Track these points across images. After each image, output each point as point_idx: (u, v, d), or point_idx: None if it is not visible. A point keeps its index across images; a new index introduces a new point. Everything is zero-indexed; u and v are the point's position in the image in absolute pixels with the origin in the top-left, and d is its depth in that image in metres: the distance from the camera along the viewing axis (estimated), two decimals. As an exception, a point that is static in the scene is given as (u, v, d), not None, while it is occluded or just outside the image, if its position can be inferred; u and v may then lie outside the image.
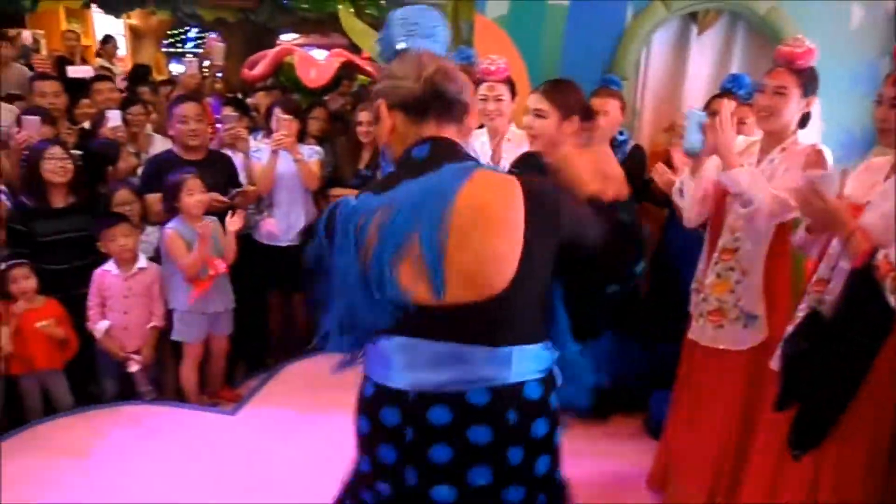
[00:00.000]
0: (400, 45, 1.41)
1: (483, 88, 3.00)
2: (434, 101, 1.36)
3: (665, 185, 2.76)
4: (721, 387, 2.40)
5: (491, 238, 1.29)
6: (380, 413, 1.39)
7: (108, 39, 8.28)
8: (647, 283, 3.21)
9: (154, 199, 3.44)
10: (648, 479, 2.76)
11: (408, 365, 1.35)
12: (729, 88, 3.05)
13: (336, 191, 3.88)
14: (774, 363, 2.04)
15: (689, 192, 2.42)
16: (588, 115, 2.46)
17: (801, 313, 1.99)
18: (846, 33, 3.17)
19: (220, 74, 5.08)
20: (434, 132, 1.37)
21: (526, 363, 1.35)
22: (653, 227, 3.22)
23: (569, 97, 2.36)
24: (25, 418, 3.19)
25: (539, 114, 2.34)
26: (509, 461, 1.34)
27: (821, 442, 1.91)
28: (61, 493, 2.70)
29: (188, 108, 3.50)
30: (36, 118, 3.55)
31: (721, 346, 2.38)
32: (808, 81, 2.26)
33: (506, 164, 2.94)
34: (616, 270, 1.45)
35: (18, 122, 3.53)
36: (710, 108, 3.06)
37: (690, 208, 2.45)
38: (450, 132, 1.39)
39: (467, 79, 1.44)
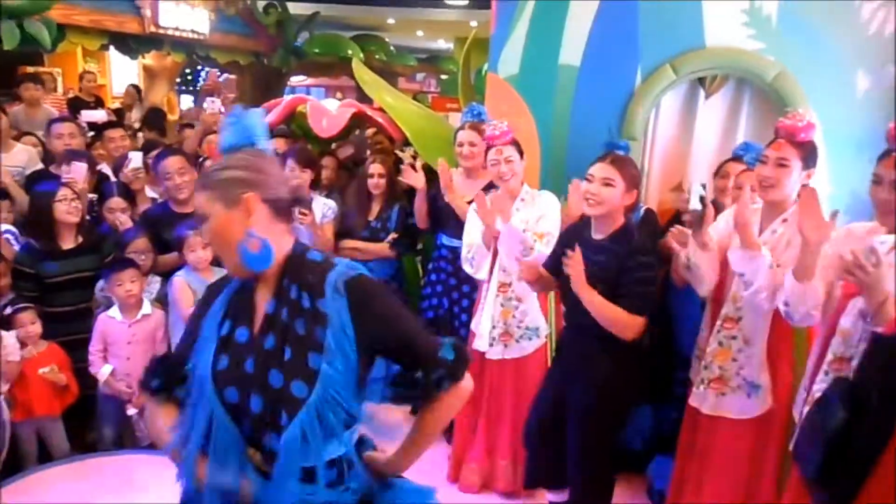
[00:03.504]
0: (259, 145, 1.52)
1: (492, 153, 3.04)
2: (291, 206, 1.54)
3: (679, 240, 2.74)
4: (724, 454, 2.39)
5: None
6: None
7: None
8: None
9: (165, 258, 3.47)
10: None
11: None
12: (741, 155, 3.08)
13: (348, 243, 3.90)
14: (791, 444, 2.01)
15: (703, 265, 2.40)
16: (638, 186, 2.51)
17: (818, 393, 1.96)
18: (852, 99, 3.22)
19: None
20: (290, 232, 1.54)
21: None
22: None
23: (633, 170, 2.44)
24: (20, 465, 3.14)
25: (608, 182, 2.39)
26: None
27: None
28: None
29: (171, 164, 3.50)
30: (83, 165, 3.65)
31: (724, 415, 2.35)
32: (809, 154, 2.30)
33: (518, 222, 2.96)
34: None
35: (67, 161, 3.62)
36: (721, 171, 3.10)
37: (708, 281, 2.43)
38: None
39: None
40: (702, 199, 2.32)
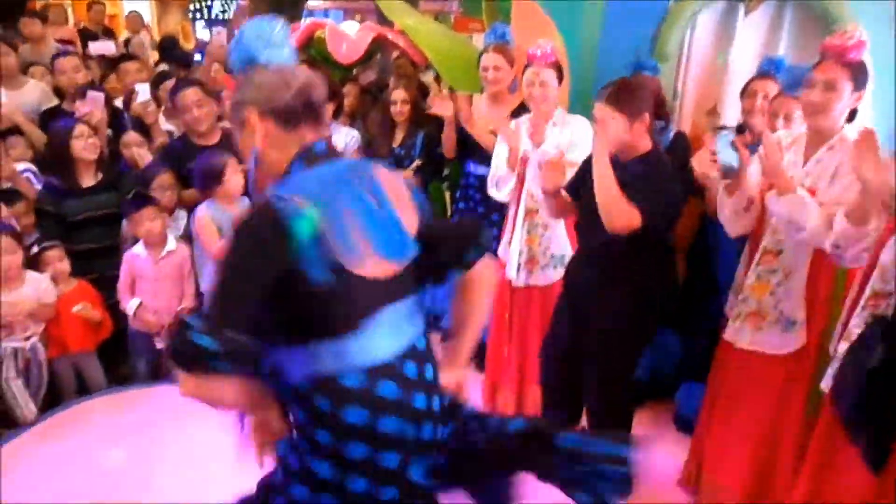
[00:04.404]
0: (261, 58, 1.46)
1: (529, 73, 2.90)
2: (304, 109, 1.45)
3: (704, 175, 2.65)
4: (756, 390, 2.35)
5: (404, 210, 1.50)
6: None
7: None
8: (685, 274, 3.13)
9: (187, 193, 3.43)
10: (680, 478, 2.73)
11: (391, 332, 1.44)
12: (767, 71, 2.92)
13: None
14: (826, 383, 1.97)
15: (730, 209, 2.32)
16: (661, 106, 2.38)
17: (856, 329, 1.90)
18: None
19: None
20: (313, 136, 1.46)
21: None
22: (690, 219, 3.12)
23: (634, 97, 2.29)
24: (60, 399, 3.22)
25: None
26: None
27: (892, 450, 1.84)
28: (100, 470, 2.74)
29: (187, 96, 3.41)
30: (100, 94, 3.56)
31: (758, 350, 2.31)
32: (859, 75, 2.13)
33: (549, 148, 2.86)
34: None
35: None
36: (748, 89, 2.94)
37: (733, 223, 2.35)
38: (320, 133, 1.49)
39: (324, 81, 1.56)
40: (733, 143, 2.18)
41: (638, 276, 2.35)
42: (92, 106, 3.51)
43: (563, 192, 2.54)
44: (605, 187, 2.24)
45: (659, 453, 2.88)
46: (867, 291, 1.94)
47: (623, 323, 2.40)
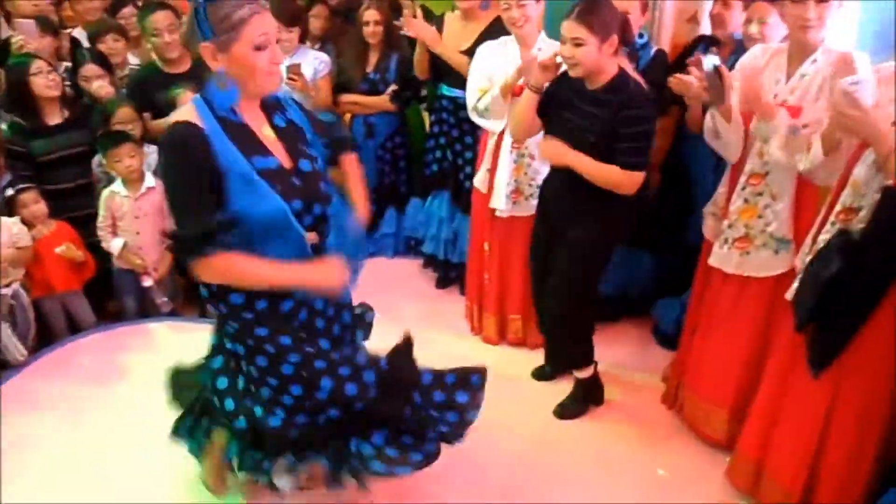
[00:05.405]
0: None
1: None
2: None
3: (682, 91, 2.59)
4: (742, 312, 2.39)
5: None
6: None
7: None
8: (657, 190, 3.13)
9: (157, 123, 3.31)
10: (663, 397, 2.83)
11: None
12: None
13: (346, 97, 3.74)
14: (790, 294, 2.01)
15: (730, 137, 2.28)
16: (626, 28, 2.34)
17: (822, 243, 1.92)
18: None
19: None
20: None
21: None
22: (665, 135, 3.08)
23: (604, 17, 2.25)
24: (53, 339, 3.26)
25: (578, 42, 2.25)
26: None
27: (837, 357, 1.92)
28: (96, 406, 2.81)
29: (158, 19, 3.25)
30: (31, 22, 3.37)
31: (746, 274, 2.34)
32: None
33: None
34: None
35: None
36: None
37: (735, 149, 2.32)
38: None
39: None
40: (716, 68, 2.15)
41: (610, 194, 2.37)
42: (27, 35, 3.32)
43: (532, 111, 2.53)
44: (593, 175, 2.35)
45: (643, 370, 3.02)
46: (837, 206, 1.95)
47: (592, 235, 2.47)
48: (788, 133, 2.07)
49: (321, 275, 1.82)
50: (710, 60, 2.18)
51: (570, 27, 2.26)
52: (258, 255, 1.74)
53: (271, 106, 1.89)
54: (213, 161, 1.67)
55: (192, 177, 1.67)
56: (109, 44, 3.55)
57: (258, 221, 1.72)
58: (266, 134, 1.82)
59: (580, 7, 2.26)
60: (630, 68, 2.45)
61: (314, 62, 3.60)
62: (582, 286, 2.57)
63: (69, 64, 3.62)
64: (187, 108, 1.74)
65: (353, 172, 2.12)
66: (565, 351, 2.77)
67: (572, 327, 2.64)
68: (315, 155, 1.91)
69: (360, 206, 2.07)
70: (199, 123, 1.69)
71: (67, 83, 3.44)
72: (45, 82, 3.16)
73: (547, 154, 2.51)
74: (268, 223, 1.74)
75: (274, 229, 1.75)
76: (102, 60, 3.46)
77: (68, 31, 3.87)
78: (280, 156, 1.81)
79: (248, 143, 1.75)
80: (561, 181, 2.51)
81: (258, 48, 1.68)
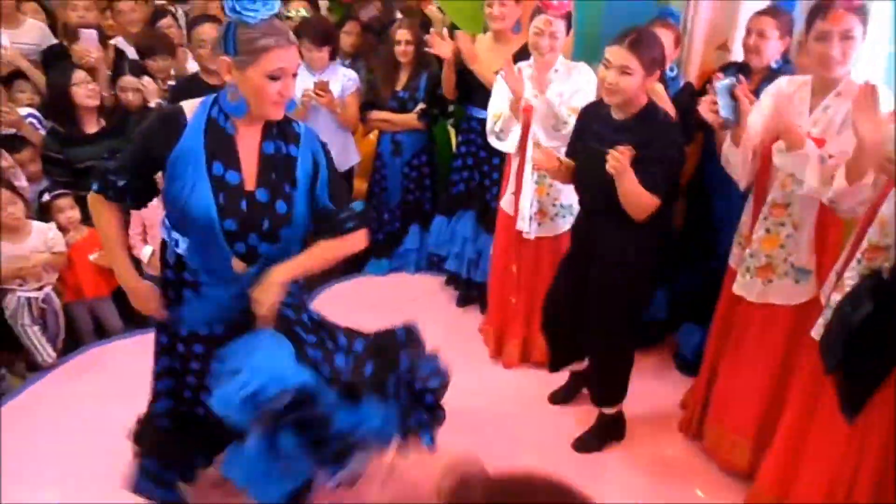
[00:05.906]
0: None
1: (540, 22, 2.79)
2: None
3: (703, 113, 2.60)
4: (764, 340, 2.39)
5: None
6: None
7: None
8: (681, 216, 3.13)
9: None
10: (681, 424, 2.82)
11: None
12: (769, 9, 2.82)
13: (375, 114, 3.80)
14: (816, 332, 2.00)
15: (736, 160, 2.31)
16: (664, 64, 2.35)
17: (850, 280, 1.92)
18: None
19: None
20: None
21: None
22: (690, 159, 3.08)
23: (654, 53, 2.26)
24: (80, 344, 3.33)
25: (626, 70, 2.24)
26: None
27: (868, 401, 1.90)
28: (121, 409, 2.85)
29: (204, 31, 3.31)
30: (93, 32, 3.48)
31: (770, 302, 2.33)
32: (866, 18, 2.10)
33: (552, 96, 2.84)
34: None
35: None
36: (747, 27, 2.85)
37: (741, 173, 2.34)
38: None
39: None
40: (731, 89, 2.17)
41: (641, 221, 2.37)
42: (88, 45, 3.44)
43: (565, 159, 2.56)
44: (630, 186, 2.28)
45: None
46: (864, 244, 1.94)
47: (630, 259, 2.44)
48: (819, 162, 2.08)
49: (134, 293, 2.13)
50: (725, 81, 2.20)
51: (620, 54, 2.24)
52: (195, 251, 1.90)
53: (278, 132, 1.90)
54: (173, 142, 1.81)
55: (144, 141, 1.88)
56: (159, 63, 3.61)
57: (186, 212, 1.82)
58: (248, 152, 1.86)
59: (633, 37, 2.25)
60: (664, 97, 2.48)
61: (343, 79, 3.66)
62: (620, 327, 2.55)
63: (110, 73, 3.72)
64: (197, 100, 1.88)
65: (331, 246, 1.97)
66: (605, 386, 2.73)
67: (616, 365, 2.64)
68: (290, 193, 1.88)
69: (294, 264, 1.92)
70: (189, 114, 1.84)
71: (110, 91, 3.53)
72: (85, 92, 3.26)
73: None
74: (194, 222, 1.83)
75: (202, 234, 1.85)
76: (142, 72, 3.55)
77: (112, 41, 3.98)
78: (247, 176, 1.85)
79: (222, 150, 1.83)
80: (590, 211, 2.53)
81: (272, 78, 1.76)
